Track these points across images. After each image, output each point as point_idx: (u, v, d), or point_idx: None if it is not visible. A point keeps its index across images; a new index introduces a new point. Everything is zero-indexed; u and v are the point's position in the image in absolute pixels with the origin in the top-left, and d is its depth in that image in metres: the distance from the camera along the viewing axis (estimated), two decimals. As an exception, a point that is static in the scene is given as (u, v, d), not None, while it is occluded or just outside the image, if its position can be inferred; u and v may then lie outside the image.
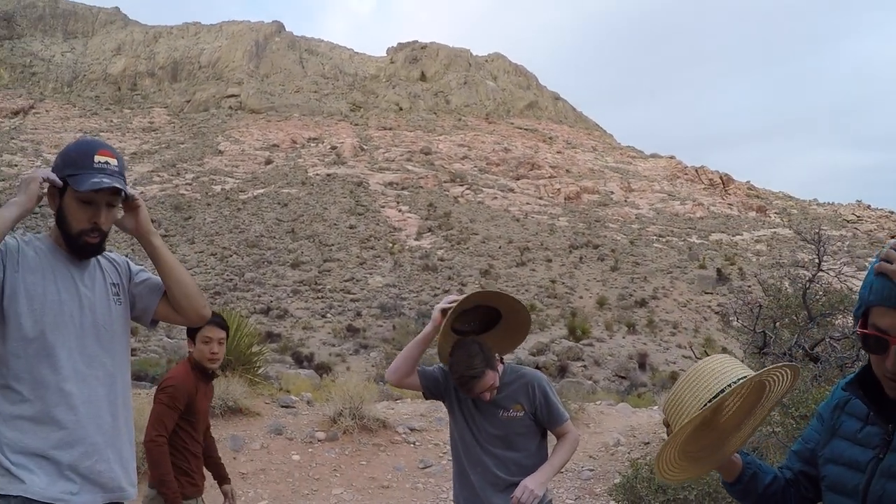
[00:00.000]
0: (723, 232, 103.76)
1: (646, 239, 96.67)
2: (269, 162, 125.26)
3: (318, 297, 64.84)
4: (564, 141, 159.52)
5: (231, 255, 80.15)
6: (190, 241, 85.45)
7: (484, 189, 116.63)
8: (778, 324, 8.04)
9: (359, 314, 57.69)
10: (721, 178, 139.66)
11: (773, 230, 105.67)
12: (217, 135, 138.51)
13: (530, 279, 72.52)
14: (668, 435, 1.87)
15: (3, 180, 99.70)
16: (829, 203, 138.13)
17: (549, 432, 3.36)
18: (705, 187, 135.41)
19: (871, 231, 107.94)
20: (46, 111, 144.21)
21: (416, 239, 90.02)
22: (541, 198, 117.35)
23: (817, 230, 8.48)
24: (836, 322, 7.61)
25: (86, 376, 2.32)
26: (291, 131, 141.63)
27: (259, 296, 64.70)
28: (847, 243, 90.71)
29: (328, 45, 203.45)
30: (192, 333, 3.98)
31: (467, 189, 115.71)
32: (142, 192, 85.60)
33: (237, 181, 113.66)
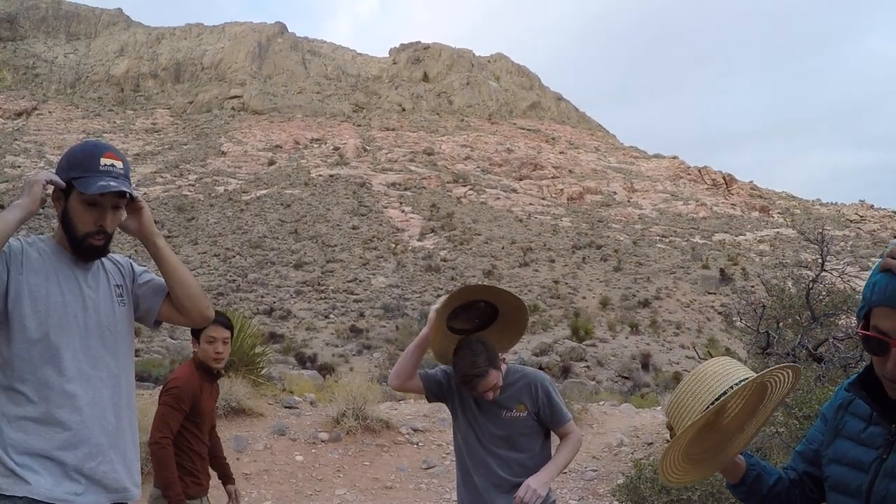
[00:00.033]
0: (726, 232, 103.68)
1: (649, 239, 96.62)
2: (271, 163, 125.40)
3: (321, 298, 64.90)
4: (567, 141, 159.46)
5: (234, 256, 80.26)
6: (193, 242, 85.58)
7: (487, 189, 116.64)
8: (781, 324, 8.03)
9: (362, 315, 57.74)
10: (724, 178, 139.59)
11: (776, 230, 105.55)
12: (220, 136, 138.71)
13: (533, 280, 72.52)
14: (671, 438, 1.87)
15: (7, 182, 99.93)
16: (832, 203, 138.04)
17: (552, 433, 3.36)
18: (708, 187, 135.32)
19: (874, 231, 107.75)
20: (49, 112, 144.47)
21: (419, 240, 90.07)
22: (544, 198, 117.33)
23: (820, 230, 8.47)
24: (840, 322, 7.60)
25: (90, 377, 2.32)
26: (294, 132, 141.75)
27: (262, 296, 64.77)
28: (850, 243, 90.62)
29: (331, 45, 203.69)
30: (196, 333, 3.96)
31: (470, 190, 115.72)
32: (145, 194, 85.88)
33: (240, 182, 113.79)
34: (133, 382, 2.55)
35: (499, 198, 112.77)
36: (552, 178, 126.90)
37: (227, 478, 4.37)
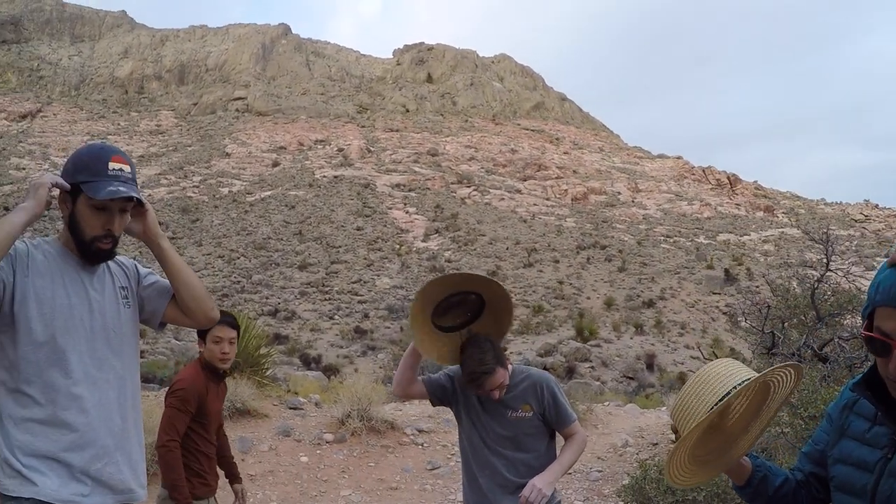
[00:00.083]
0: (730, 232, 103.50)
1: (653, 239, 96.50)
2: (276, 164, 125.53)
3: (325, 299, 64.93)
4: (571, 142, 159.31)
5: (238, 258, 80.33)
6: (197, 244, 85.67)
7: (491, 190, 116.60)
8: (786, 324, 8.02)
9: (366, 316, 57.76)
10: (728, 178, 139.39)
11: (780, 230, 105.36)
12: (224, 137, 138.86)
13: (538, 280, 72.47)
14: (676, 440, 1.87)
15: (12, 184, 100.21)
16: (836, 203, 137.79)
17: (557, 434, 3.36)
18: (713, 187, 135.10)
19: (879, 230, 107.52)
20: (54, 115, 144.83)
21: (424, 240, 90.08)
22: (548, 199, 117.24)
23: (825, 230, 8.47)
24: (845, 322, 7.59)
25: (96, 379, 2.33)
26: (298, 133, 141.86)
27: (267, 298, 64.82)
28: (855, 243, 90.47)
29: (334, 47, 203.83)
30: (202, 333, 3.97)
31: (474, 190, 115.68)
32: (149, 195, 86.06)
33: (244, 183, 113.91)
34: (138, 384, 2.56)
35: (503, 198, 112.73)
36: (556, 178, 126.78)
37: (234, 477, 4.38)
